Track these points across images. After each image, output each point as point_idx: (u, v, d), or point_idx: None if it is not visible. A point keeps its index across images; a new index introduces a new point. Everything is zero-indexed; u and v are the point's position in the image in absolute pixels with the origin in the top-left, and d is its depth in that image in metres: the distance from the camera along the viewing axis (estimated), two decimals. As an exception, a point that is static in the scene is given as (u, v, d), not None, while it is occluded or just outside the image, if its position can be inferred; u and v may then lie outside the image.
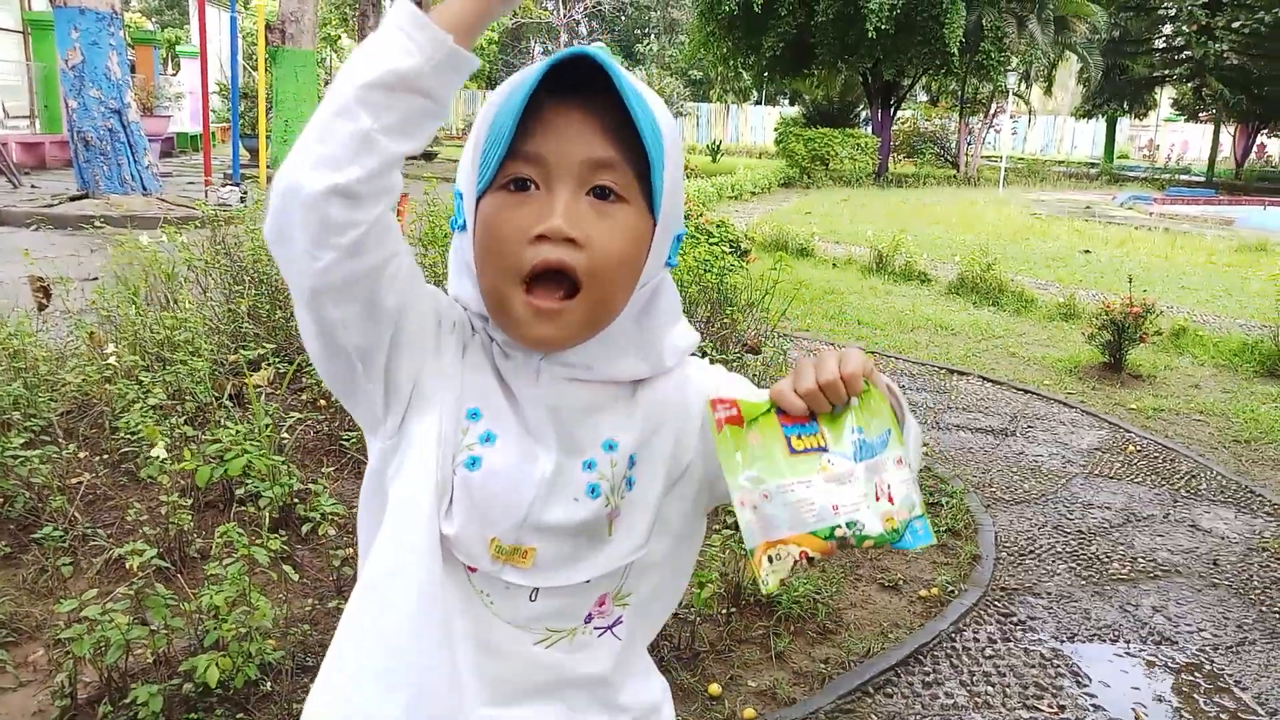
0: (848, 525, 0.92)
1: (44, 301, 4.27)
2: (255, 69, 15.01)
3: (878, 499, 0.93)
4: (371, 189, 0.86)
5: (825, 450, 0.94)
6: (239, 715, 2.46)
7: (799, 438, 0.94)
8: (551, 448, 1.00)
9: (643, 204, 0.98)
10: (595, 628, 1.06)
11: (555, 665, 1.05)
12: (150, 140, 12.91)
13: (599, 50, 0.93)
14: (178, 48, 25.66)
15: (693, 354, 1.12)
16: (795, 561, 0.91)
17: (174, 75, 23.78)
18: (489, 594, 1.02)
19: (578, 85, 0.93)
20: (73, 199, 11.37)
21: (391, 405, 1.00)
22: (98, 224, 6.02)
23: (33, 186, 12.96)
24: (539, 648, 1.04)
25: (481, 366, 1.03)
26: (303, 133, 0.87)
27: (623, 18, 49.68)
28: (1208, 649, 3.30)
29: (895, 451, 0.95)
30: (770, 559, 0.91)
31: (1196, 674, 3.15)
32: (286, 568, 2.83)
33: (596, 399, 1.03)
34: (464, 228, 1.01)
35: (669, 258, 1.04)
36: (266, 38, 14.54)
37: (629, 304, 1.00)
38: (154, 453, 2.91)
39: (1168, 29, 32.82)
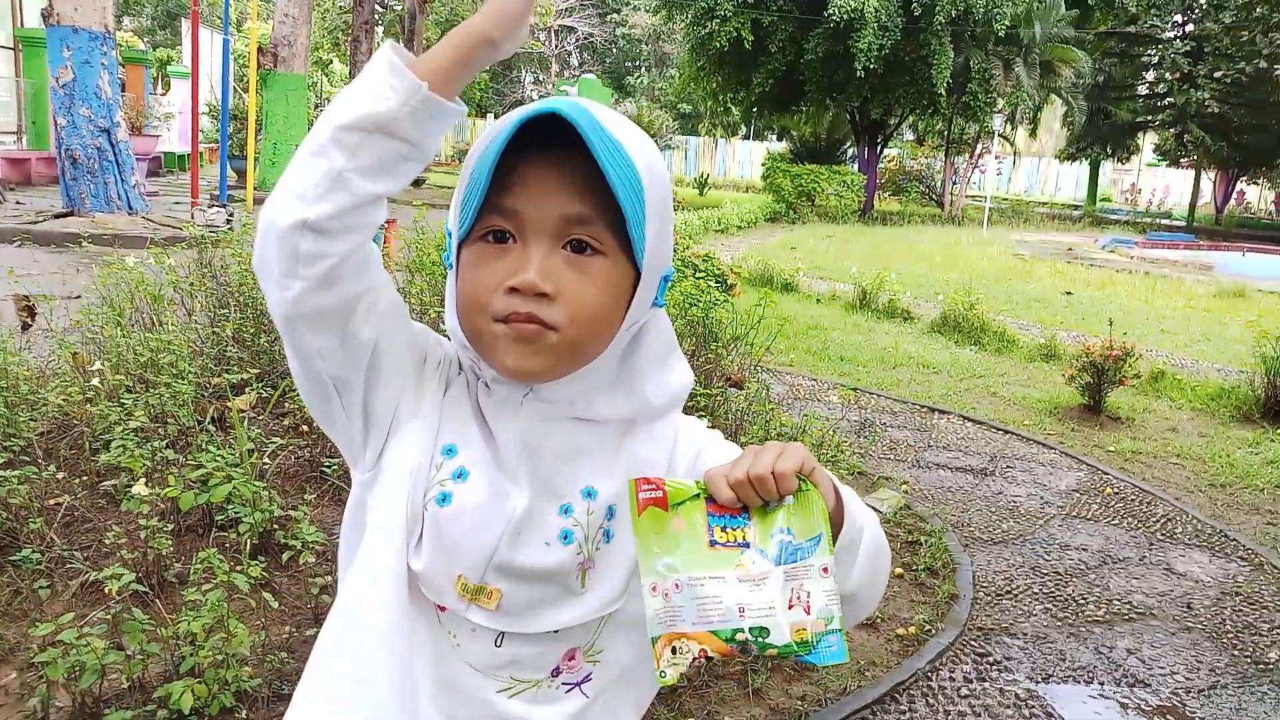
0: (751, 631, 0.88)
1: (28, 320, 4.26)
2: (246, 91, 15.04)
3: (791, 607, 0.89)
4: (341, 225, 0.89)
5: (747, 547, 0.90)
6: (213, 743, 2.44)
7: (723, 529, 0.91)
8: (524, 487, 1.00)
9: (621, 255, 0.98)
10: (563, 683, 1.04)
11: (516, 717, 1.02)
12: (138, 159, 12.91)
13: (571, 106, 0.93)
14: (169, 68, 25.72)
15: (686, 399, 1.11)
16: (694, 658, 0.88)
17: (164, 95, 23.81)
18: (455, 635, 1.01)
19: (555, 139, 0.93)
20: (58, 216, 11.34)
21: (370, 437, 1.02)
22: (83, 242, 6.00)
23: (18, 203, 12.92)
24: (501, 696, 1.02)
25: (462, 403, 1.04)
26: (285, 173, 0.91)
27: (614, 50, 50.10)
28: (1180, 692, 3.32)
29: (822, 559, 0.90)
30: (673, 650, 0.88)
31: (1169, 717, 3.17)
32: (265, 595, 2.82)
33: (578, 443, 1.02)
34: (451, 267, 1.03)
35: (656, 299, 1.04)
36: (258, 60, 14.61)
37: (612, 345, 1.01)
38: (135, 489, 2.90)
39: (1151, 75, 33.41)
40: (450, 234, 1.02)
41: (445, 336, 1.09)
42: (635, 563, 0.99)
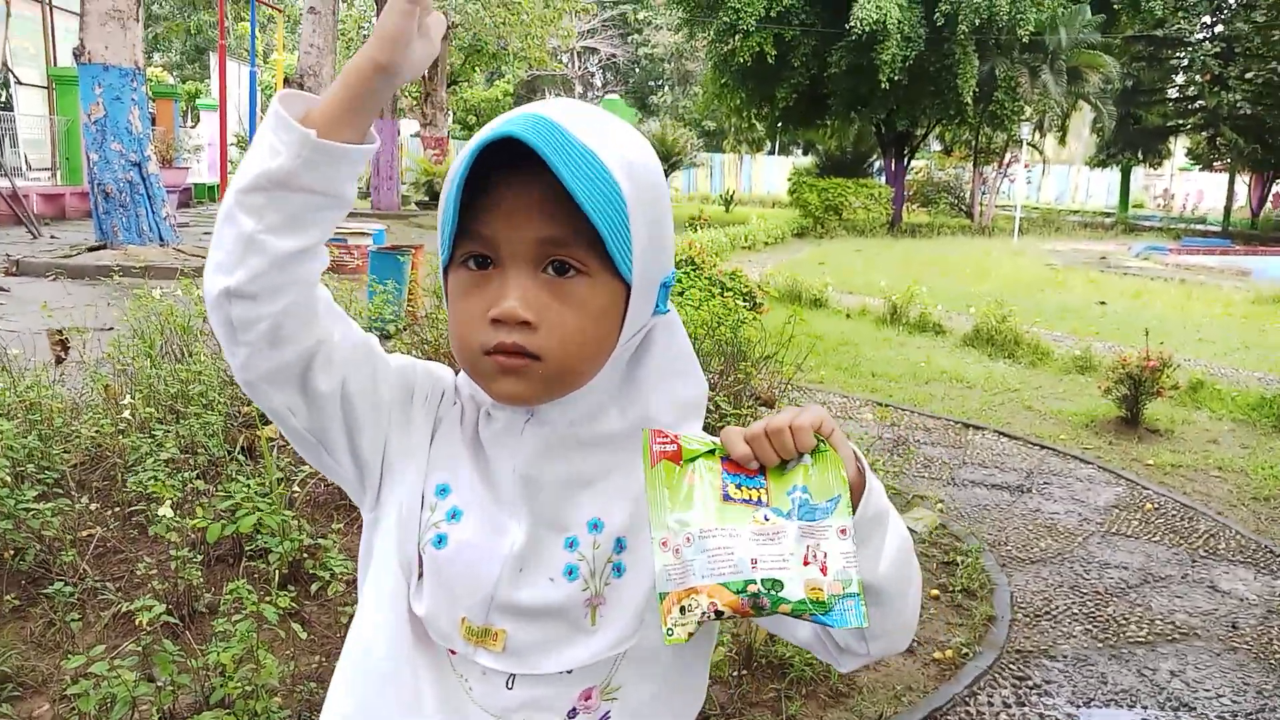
0: (764, 583, 0.84)
1: (61, 355, 4.31)
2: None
3: (807, 564, 0.85)
4: (263, 286, 0.87)
5: (762, 505, 0.88)
6: (243, 777, 2.43)
7: (738, 487, 0.88)
8: (523, 521, 0.96)
9: (607, 272, 0.92)
10: None
11: None
12: (169, 191, 13.10)
13: (530, 125, 0.87)
14: (198, 101, 26.14)
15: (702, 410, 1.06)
16: (704, 613, 0.84)
17: (193, 128, 24.21)
18: (467, 678, 0.99)
19: (525, 157, 0.87)
20: (91, 249, 11.53)
21: (366, 479, 1.01)
22: (115, 275, 6.08)
23: (52, 237, 13.15)
24: None
25: (455, 439, 1.01)
26: None
27: (637, 70, 50.34)
28: (1227, 715, 3.23)
29: (841, 520, 0.87)
30: (683, 609, 0.84)
31: (1217, 741, 3.09)
32: (294, 625, 2.81)
33: (583, 470, 0.98)
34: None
35: (658, 306, 0.98)
36: (286, 91, 14.80)
37: (611, 362, 0.96)
38: (161, 511, 2.92)
39: (1181, 79, 33.04)
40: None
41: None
42: (650, 597, 0.96)
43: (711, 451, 0.89)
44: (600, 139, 0.89)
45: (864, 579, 0.88)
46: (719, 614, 0.84)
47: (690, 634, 0.84)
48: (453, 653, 0.99)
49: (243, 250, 0.86)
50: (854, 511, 0.89)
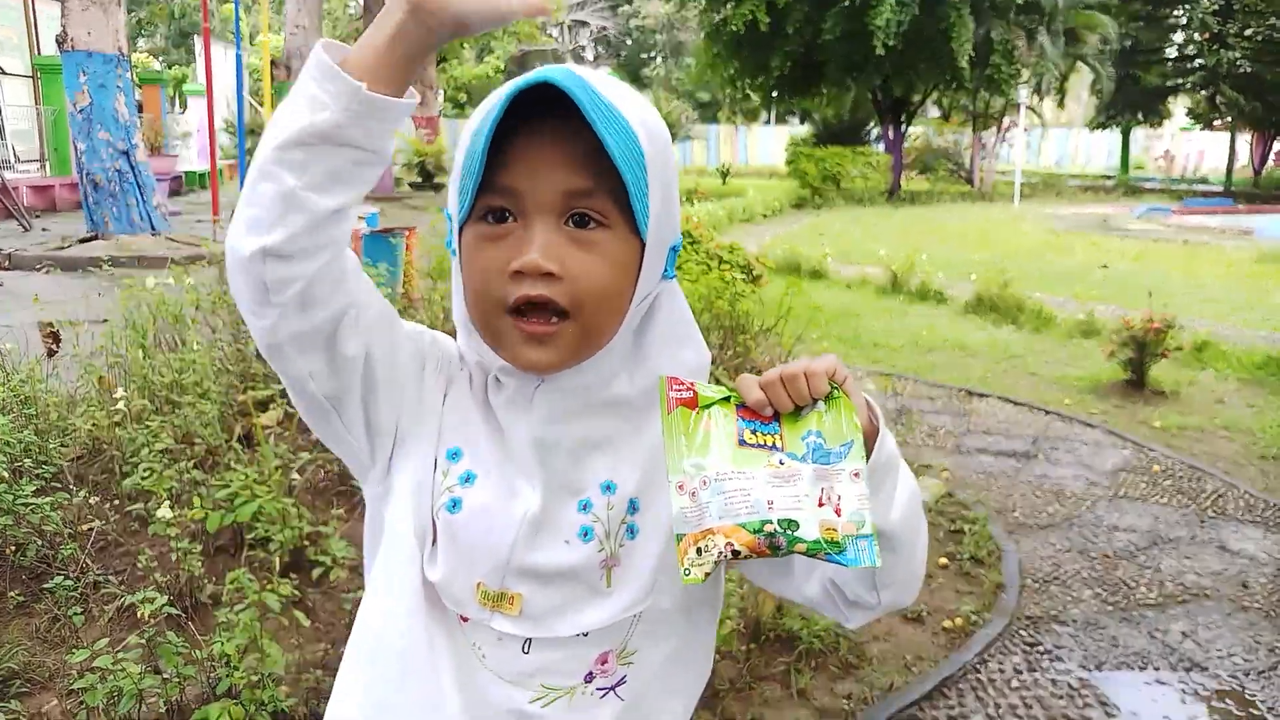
0: (780, 523, 0.86)
1: (54, 347, 4.28)
2: (262, 105, 15.15)
3: (821, 505, 0.87)
4: (302, 246, 0.84)
5: (777, 450, 0.89)
6: (250, 767, 2.42)
7: (753, 433, 0.90)
8: (538, 484, 0.96)
9: (626, 227, 0.93)
10: (598, 688, 1.00)
11: None
12: (158, 179, 13.03)
13: (565, 74, 0.87)
14: (184, 86, 25.94)
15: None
16: (720, 554, 0.86)
17: (181, 114, 24.04)
18: (480, 646, 0.98)
19: (550, 109, 0.88)
20: (82, 241, 11.47)
21: (376, 450, 0.98)
22: (105, 265, 6.04)
23: (43, 229, 13.08)
24: (534, 706, 0.98)
25: (466, 404, 1.00)
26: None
27: (628, 42, 50.01)
28: (1239, 674, 3.21)
29: (854, 464, 0.89)
30: (699, 550, 0.86)
31: (1228, 701, 3.07)
32: (298, 613, 2.79)
33: (596, 433, 0.98)
34: (455, 253, 0.99)
35: (666, 270, 0.99)
36: (272, 74, 14.67)
37: (625, 323, 0.96)
38: (159, 513, 2.89)
39: (1179, 37, 32.81)
40: (450, 218, 0.98)
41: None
42: (662, 560, 0.98)
43: (727, 399, 0.91)
44: (621, 99, 0.90)
45: (877, 524, 0.89)
46: (735, 554, 0.86)
47: (706, 574, 0.86)
48: (464, 620, 0.98)
49: (283, 207, 0.83)
50: (868, 457, 0.90)
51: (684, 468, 0.88)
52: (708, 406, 0.90)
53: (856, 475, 0.88)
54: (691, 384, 0.91)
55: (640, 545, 0.98)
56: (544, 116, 0.88)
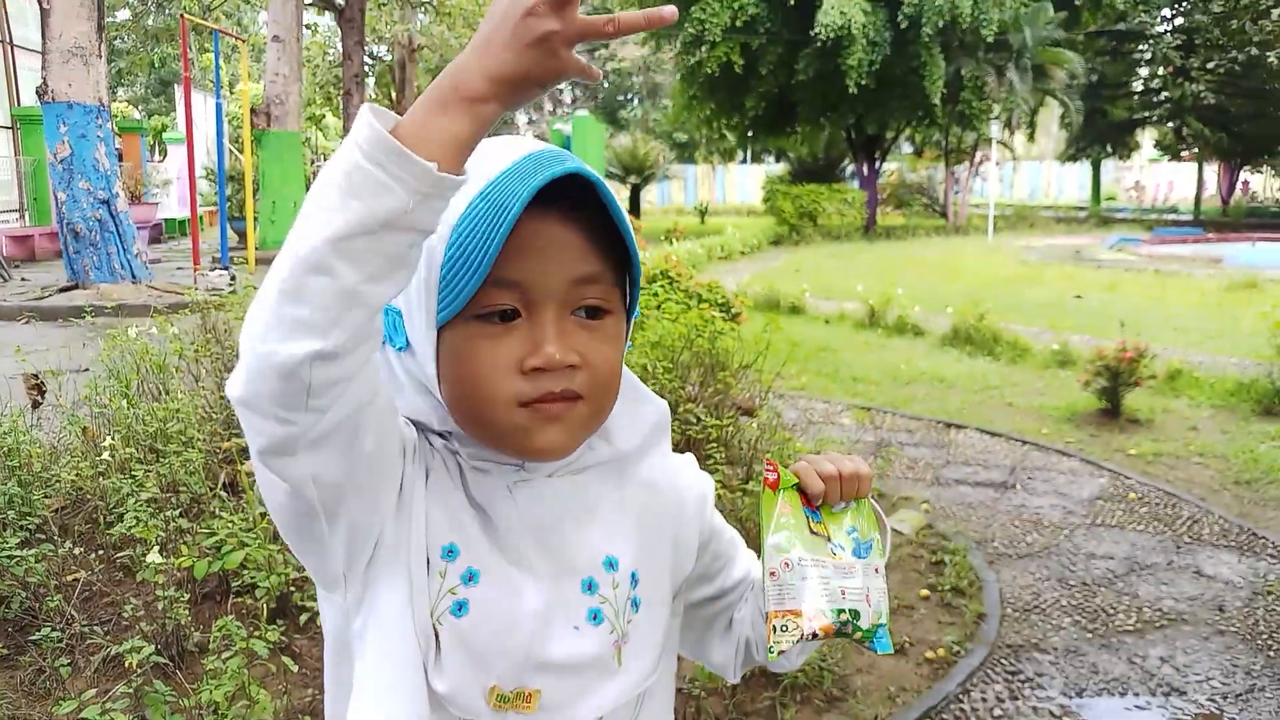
0: (849, 612, 0.95)
1: (38, 399, 4.28)
2: (241, 152, 15.21)
3: (867, 601, 0.96)
4: (357, 342, 0.75)
5: (830, 541, 0.97)
6: (239, 815, 2.42)
7: (816, 522, 0.98)
8: (541, 573, 0.92)
9: (620, 308, 0.93)
10: None
11: None
12: (139, 228, 13.03)
13: (574, 159, 0.86)
14: (164, 134, 25.99)
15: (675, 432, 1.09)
16: (802, 635, 0.93)
17: (161, 162, 24.07)
18: None
19: (549, 197, 0.84)
20: (63, 290, 11.45)
21: (355, 556, 0.88)
22: (88, 315, 6.05)
23: (23, 279, 13.05)
24: None
25: (450, 493, 0.92)
26: (267, 287, 0.74)
27: (605, 84, 50.46)
28: (1217, 698, 3.26)
29: (877, 560, 0.99)
30: (783, 627, 0.93)
31: (1209, 726, 3.11)
32: (285, 659, 2.80)
33: (583, 506, 0.95)
34: (405, 348, 0.91)
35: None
36: (252, 121, 14.77)
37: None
38: (150, 557, 2.90)
39: (1144, 71, 33.43)
40: (395, 312, 0.90)
41: None
42: (667, 628, 1.01)
43: (794, 486, 0.99)
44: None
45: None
46: (814, 636, 0.94)
47: (782, 651, 0.94)
48: None
49: (343, 306, 0.72)
50: (885, 553, 1.00)
51: (779, 543, 0.95)
52: (785, 489, 0.98)
53: (878, 570, 0.99)
54: (775, 465, 0.98)
55: (645, 618, 0.97)
56: (544, 203, 0.84)
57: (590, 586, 0.94)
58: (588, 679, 0.94)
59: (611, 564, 0.95)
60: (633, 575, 0.97)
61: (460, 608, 0.89)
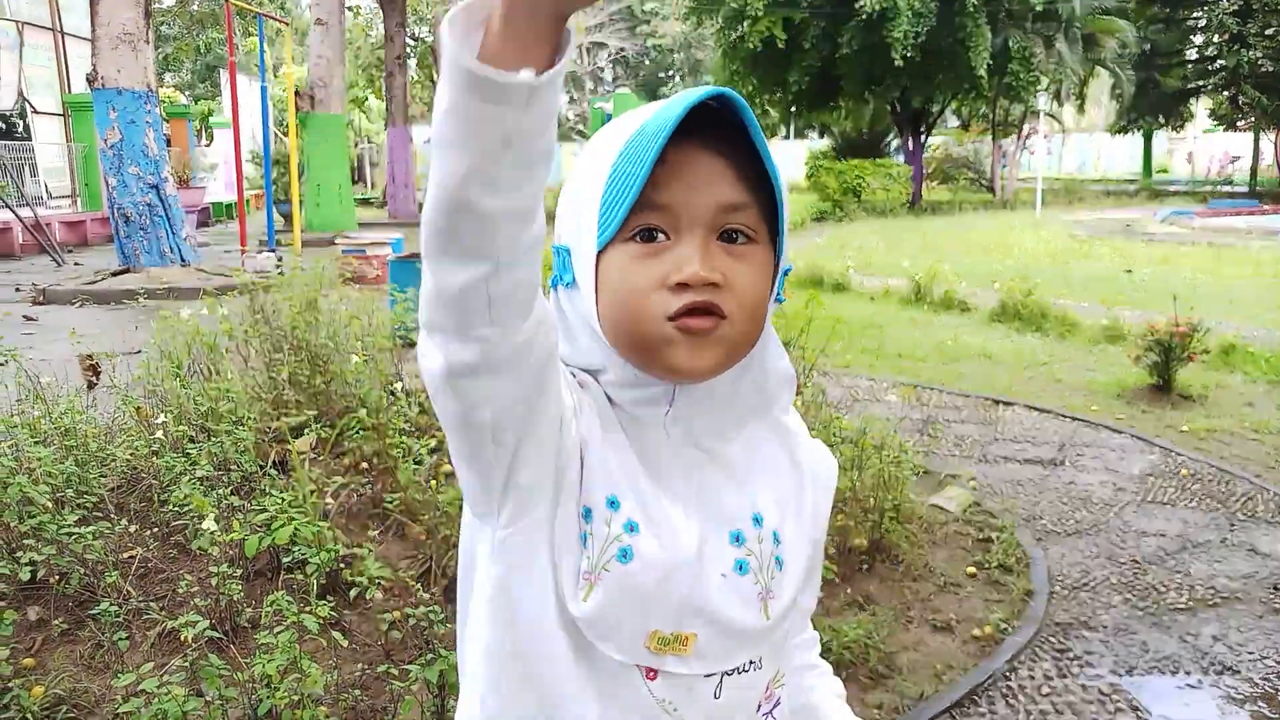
0: None
1: (93, 380, 4.38)
2: (286, 135, 15.37)
3: None
4: (522, 250, 0.78)
5: None
6: (293, 785, 2.47)
7: None
8: (694, 519, 0.95)
9: (767, 243, 0.95)
10: (763, 714, 1.03)
11: None
12: (187, 211, 13.25)
13: (728, 90, 0.89)
14: (211, 119, 26.33)
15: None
16: None
17: (208, 146, 24.41)
18: (671, 701, 0.95)
19: (695, 126, 0.88)
20: (114, 274, 11.67)
21: (513, 487, 0.90)
22: (139, 298, 6.16)
23: (76, 264, 13.33)
24: None
25: (619, 443, 0.95)
26: (426, 218, 0.77)
27: (646, 62, 50.25)
28: (1272, 677, 3.20)
29: None
30: None
31: (1262, 704, 3.06)
32: (335, 634, 2.85)
33: (731, 457, 0.99)
34: (571, 284, 0.96)
35: (778, 294, 0.99)
36: (296, 104, 14.91)
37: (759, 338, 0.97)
38: (204, 525, 2.96)
39: (1199, 39, 32.58)
40: (569, 251, 0.95)
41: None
42: (802, 581, 1.02)
43: None
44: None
45: None
46: None
47: None
48: (650, 677, 0.95)
49: (493, 230, 0.76)
50: None
51: None
52: None
53: None
54: None
55: (787, 575, 1.00)
56: (693, 132, 0.89)
57: (738, 539, 0.97)
58: (738, 627, 0.96)
59: (758, 520, 0.98)
60: (775, 535, 0.99)
61: (625, 554, 0.91)
